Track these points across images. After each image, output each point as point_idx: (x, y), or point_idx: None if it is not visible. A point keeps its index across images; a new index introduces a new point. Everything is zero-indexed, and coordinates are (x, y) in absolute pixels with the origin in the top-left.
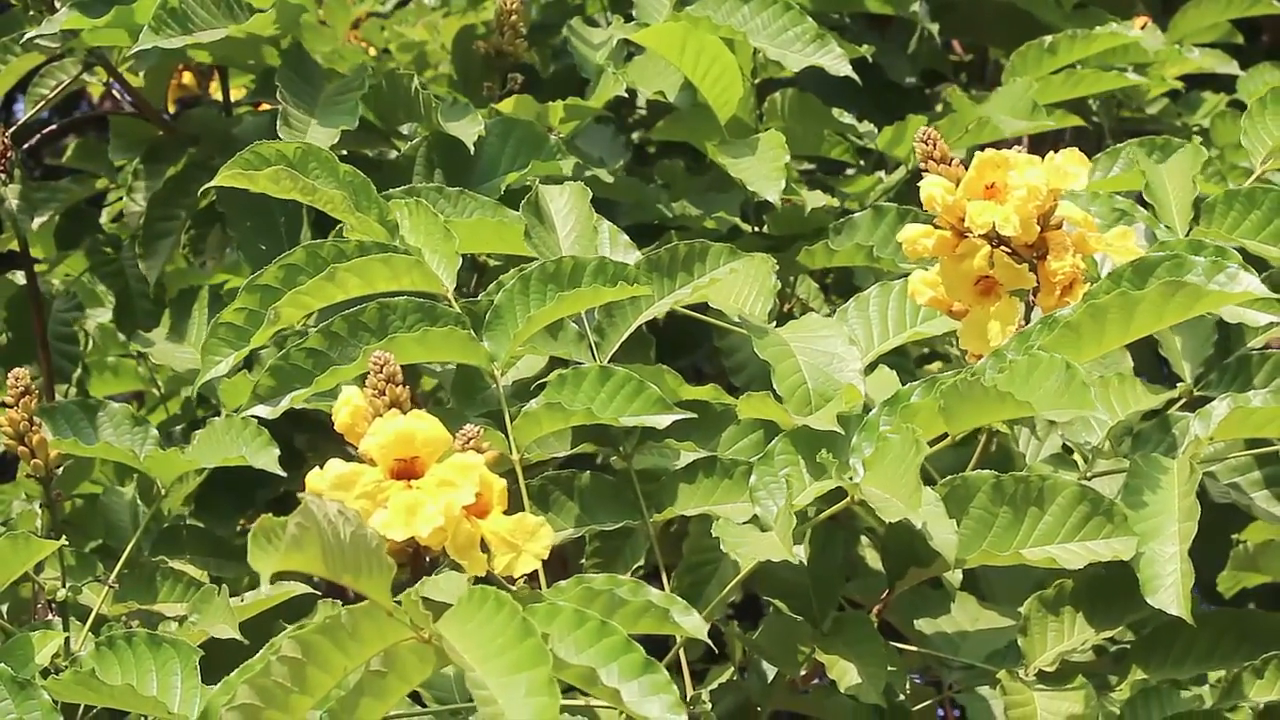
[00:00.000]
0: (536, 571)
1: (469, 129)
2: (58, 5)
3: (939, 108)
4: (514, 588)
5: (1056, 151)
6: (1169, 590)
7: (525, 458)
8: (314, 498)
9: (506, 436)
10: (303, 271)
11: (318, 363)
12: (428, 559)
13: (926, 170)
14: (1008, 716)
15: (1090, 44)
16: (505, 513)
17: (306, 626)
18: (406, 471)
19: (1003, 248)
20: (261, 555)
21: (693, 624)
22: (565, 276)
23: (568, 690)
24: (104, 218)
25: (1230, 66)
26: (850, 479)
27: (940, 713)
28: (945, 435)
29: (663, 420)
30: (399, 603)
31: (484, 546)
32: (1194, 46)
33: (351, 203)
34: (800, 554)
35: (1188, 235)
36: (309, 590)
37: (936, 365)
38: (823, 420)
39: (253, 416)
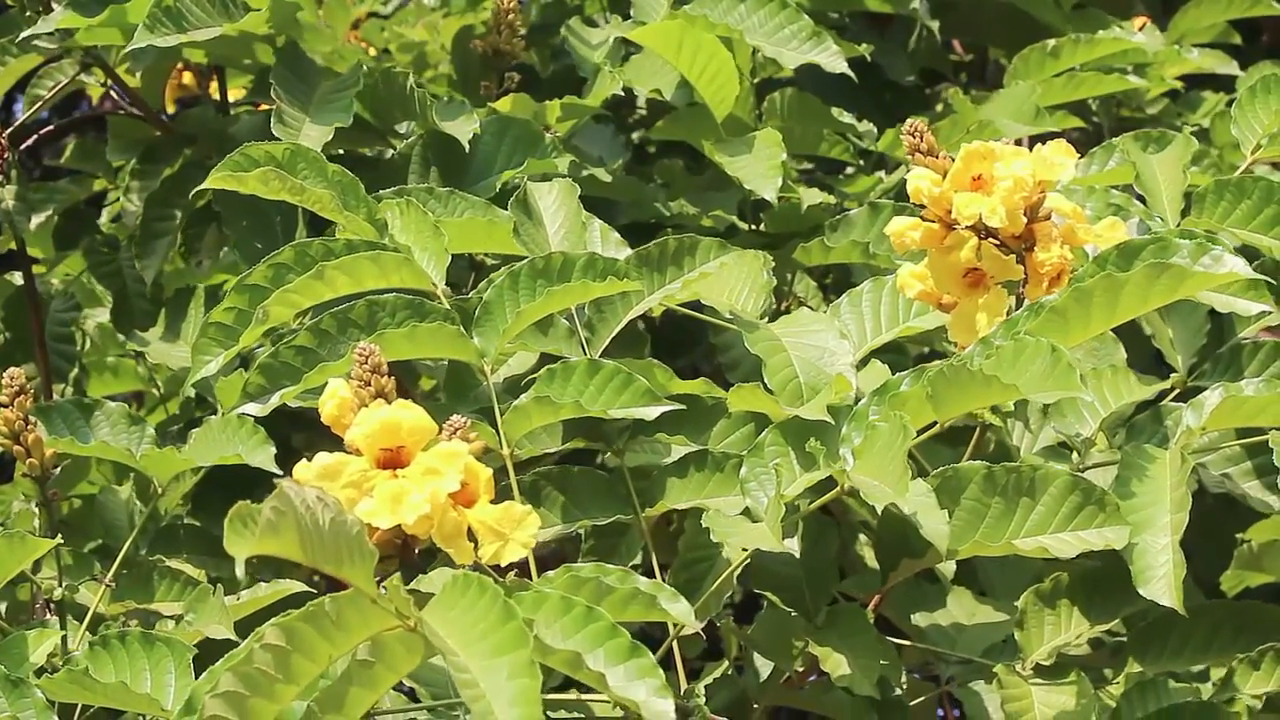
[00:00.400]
0: (528, 563)
1: (464, 127)
2: (54, 5)
3: (939, 107)
4: (504, 578)
5: None
6: (1161, 581)
7: (516, 453)
8: (292, 483)
9: (497, 432)
10: (291, 270)
11: (307, 360)
12: (417, 550)
13: (913, 162)
14: (1004, 710)
15: (1093, 48)
16: (494, 504)
17: (291, 614)
18: (392, 461)
19: (990, 239)
20: (237, 540)
21: (680, 610)
22: (555, 272)
23: (565, 686)
24: (104, 218)
25: (1230, 67)
26: (840, 468)
27: (939, 712)
28: (935, 424)
29: (651, 412)
30: (384, 590)
31: (472, 536)
32: (1193, 47)
33: (340, 202)
34: (792, 546)
35: (1178, 226)
36: (305, 589)
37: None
38: (812, 410)
39: (246, 415)
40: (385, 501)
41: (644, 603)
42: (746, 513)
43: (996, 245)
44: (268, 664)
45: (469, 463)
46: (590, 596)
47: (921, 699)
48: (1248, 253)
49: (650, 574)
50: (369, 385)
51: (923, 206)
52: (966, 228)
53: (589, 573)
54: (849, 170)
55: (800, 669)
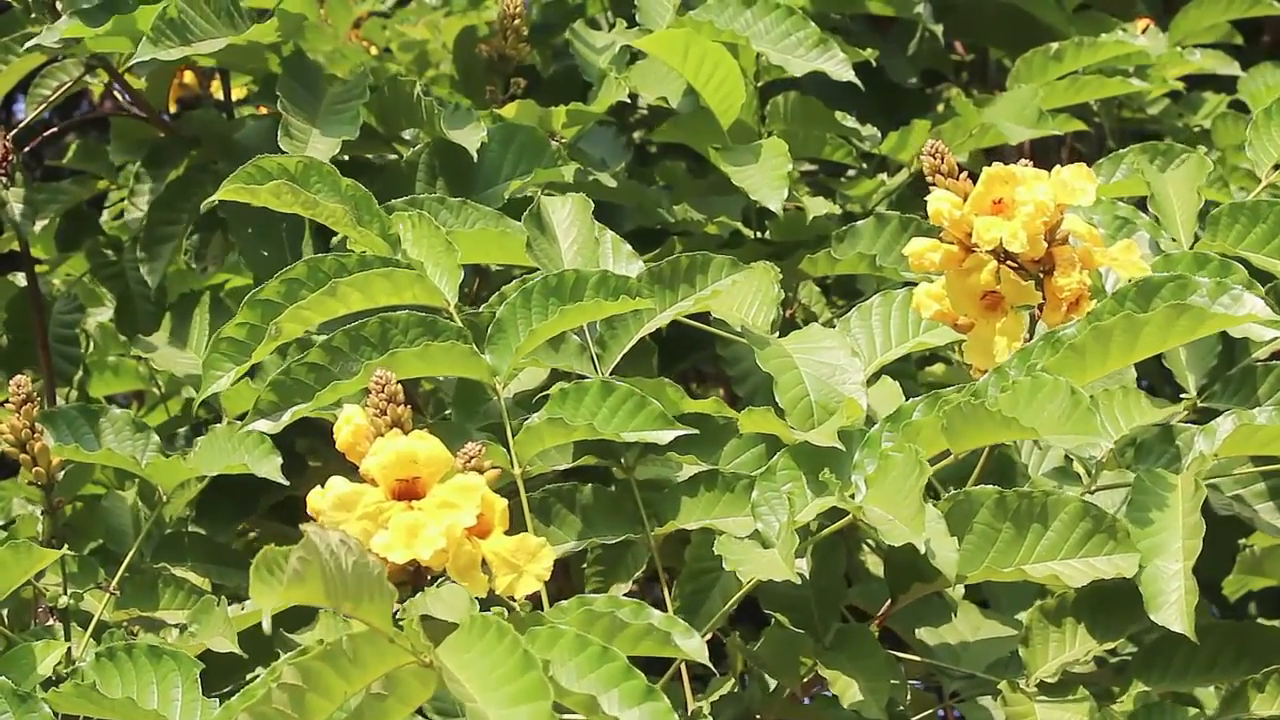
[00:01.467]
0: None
1: (471, 136)
2: (59, 8)
3: (940, 108)
4: (515, 606)
5: (1059, 152)
6: (1173, 608)
7: (526, 471)
8: (315, 529)
9: (508, 450)
10: (304, 286)
11: (319, 377)
12: (429, 577)
13: (934, 184)
14: None
15: (1096, 52)
16: (507, 530)
17: (308, 653)
18: (408, 492)
19: (1009, 263)
20: (264, 589)
21: (693, 647)
22: (567, 290)
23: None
24: (105, 217)
25: (1231, 67)
26: (852, 497)
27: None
28: (949, 453)
29: (664, 436)
30: (400, 626)
31: (485, 567)
32: (1194, 47)
33: (353, 217)
34: (800, 567)
35: (1192, 248)
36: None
37: (939, 367)
38: (823, 437)
39: (257, 431)
40: (401, 535)
41: (658, 639)
42: (756, 535)
43: (1015, 269)
44: (284, 703)
45: (484, 494)
46: (604, 633)
47: (925, 713)
48: (1260, 276)
49: (655, 581)
50: (385, 414)
51: (942, 228)
52: (986, 251)
53: (603, 606)
54: (851, 173)
55: (804, 680)
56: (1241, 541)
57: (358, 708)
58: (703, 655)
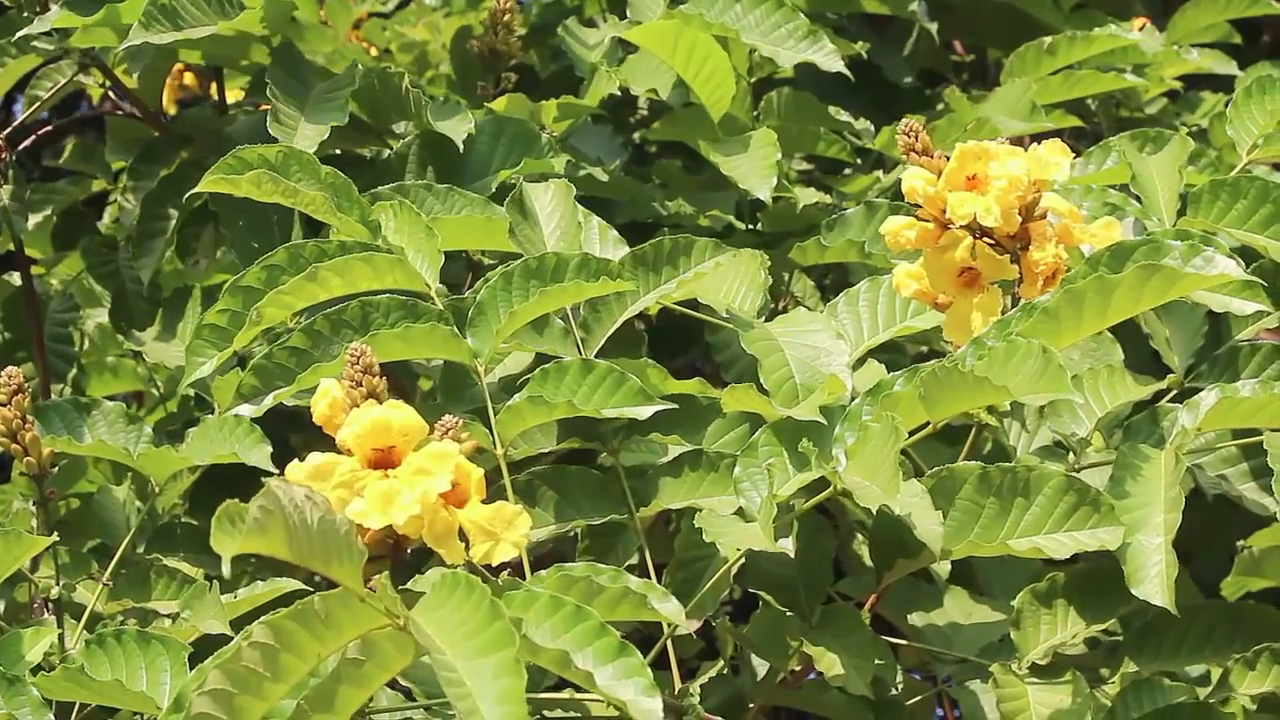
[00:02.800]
0: (521, 562)
1: (459, 127)
2: (52, 6)
3: (939, 107)
4: (496, 578)
5: None
6: (1154, 581)
7: (510, 453)
8: (280, 482)
9: (491, 432)
10: (285, 272)
11: (300, 361)
12: (408, 550)
13: (908, 162)
14: (1000, 710)
15: (1089, 45)
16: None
17: (280, 613)
18: (383, 461)
19: (985, 239)
20: (224, 538)
21: (671, 610)
22: (548, 272)
23: (560, 685)
24: (105, 219)
25: (1229, 67)
26: (833, 469)
27: (940, 711)
28: (928, 424)
29: (644, 411)
30: (374, 589)
31: (463, 536)
32: (1193, 47)
33: (333, 204)
34: (786, 546)
35: (1174, 226)
36: (302, 587)
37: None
38: (805, 410)
39: (239, 415)
40: (376, 502)
41: (634, 602)
42: (740, 513)
43: (991, 245)
44: (256, 662)
45: (460, 462)
46: (581, 596)
47: (918, 698)
48: (1245, 253)
49: (646, 574)
50: (360, 385)
51: (918, 205)
52: (961, 227)
53: (580, 572)
54: (847, 170)
55: (797, 668)
56: (1240, 543)
57: (334, 671)
58: (680, 618)
